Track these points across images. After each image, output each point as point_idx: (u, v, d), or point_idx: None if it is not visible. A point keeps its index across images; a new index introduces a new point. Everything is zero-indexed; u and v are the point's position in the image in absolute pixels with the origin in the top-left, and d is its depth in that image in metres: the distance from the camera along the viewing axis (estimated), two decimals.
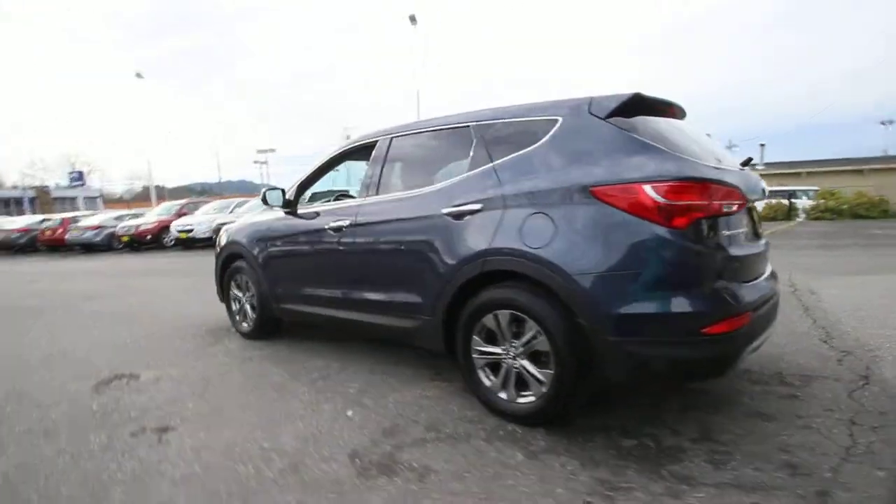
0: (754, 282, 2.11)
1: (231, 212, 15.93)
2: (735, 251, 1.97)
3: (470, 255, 2.30)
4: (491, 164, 2.36)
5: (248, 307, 3.93)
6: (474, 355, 2.39)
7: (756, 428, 2.19)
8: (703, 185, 1.87)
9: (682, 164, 1.90)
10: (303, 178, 3.50)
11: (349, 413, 2.50)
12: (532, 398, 2.20)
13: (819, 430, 2.15)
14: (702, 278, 1.86)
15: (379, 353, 3.40)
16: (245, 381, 3.04)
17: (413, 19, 22.22)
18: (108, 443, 2.28)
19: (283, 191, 3.44)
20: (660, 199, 1.85)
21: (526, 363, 2.21)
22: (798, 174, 26.17)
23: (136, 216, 17.96)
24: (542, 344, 2.13)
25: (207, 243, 14.78)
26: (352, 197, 3.85)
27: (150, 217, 16.93)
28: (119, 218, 17.69)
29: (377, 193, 2.89)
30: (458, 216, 2.40)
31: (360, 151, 3.27)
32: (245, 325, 3.98)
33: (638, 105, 2.12)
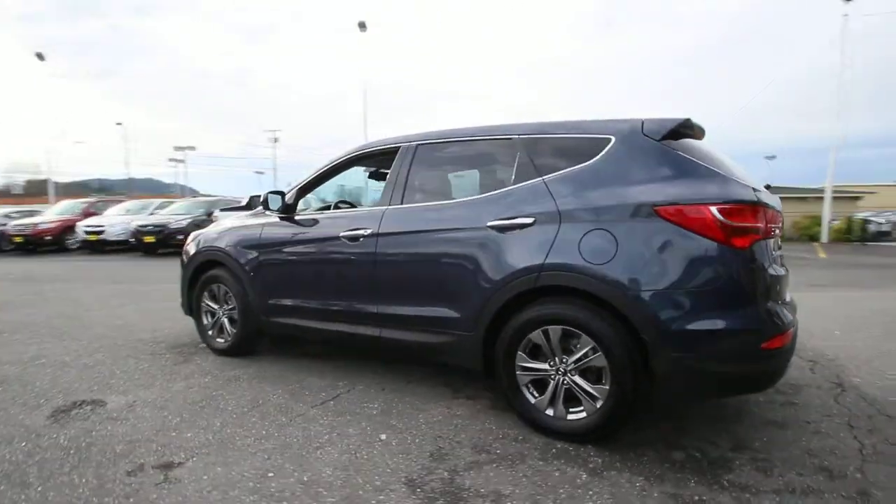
0: (786, 302, 2.28)
1: (151, 213, 14.45)
2: (776, 272, 2.12)
3: (521, 270, 2.26)
4: (541, 178, 2.34)
5: (225, 321, 3.54)
6: (518, 372, 2.33)
7: (776, 435, 2.36)
8: (758, 207, 1.99)
9: (739, 187, 2.02)
10: (303, 183, 3.25)
11: (382, 436, 2.31)
12: (583, 414, 2.19)
13: (829, 435, 2.36)
14: (759, 297, 1.98)
15: (380, 370, 3.21)
16: (241, 404, 2.71)
17: (363, 26, 21.85)
18: (101, 485, 1.90)
19: (283, 195, 3.16)
20: (724, 220, 1.94)
21: (578, 379, 2.20)
22: None
23: (30, 214, 15.64)
24: (598, 360, 2.13)
25: (121, 247, 13.28)
26: (352, 205, 3.66)
27: (49, 216, 14.82)
28: (8, 216, 15.29)
29: (402, 202, 2.75)
30: (505, 229, 2.35)
31: (374, 157, 3.11)
32: (220, 340, 3.58)
33: (685, 129, 2.23)
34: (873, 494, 1.86)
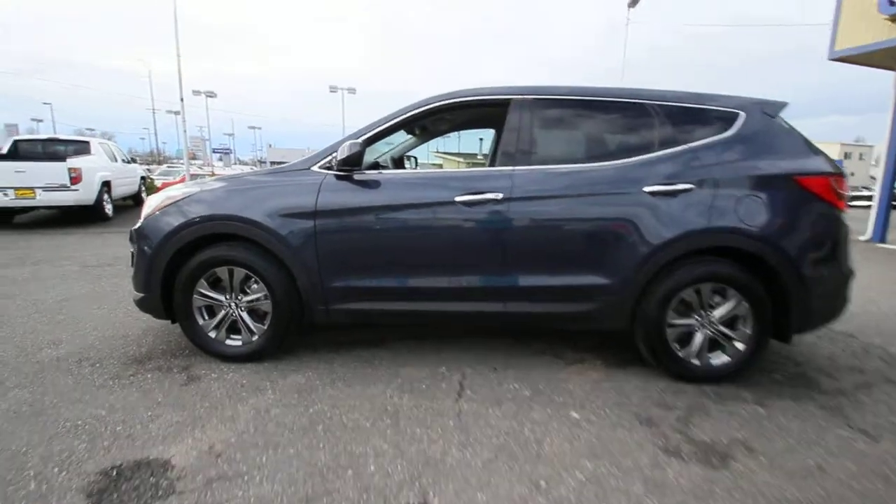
0: None
1: None
2: None
3: (683, 234, 2.37)
4: (688, 146, 2.45)
5: (244, 315, 2.64)
6: (667, 329, 2.48)
7: (803, 352, 3.09)
8: (844, 177, 2.55)
9: (833, 161, 2.53)
10: (371, 133, 2.59)
11: (574, 414, 2.20)
12: (726, 358, 2.50)
13: (821, 345, 3.22)
14: (848, 247, 2.57)
15: (457, 351, 2.94)
16: (367, 416, 2.15)
17: None
18: None
19: (358, 146, 2.46)
20: (837, 189, 2.43)
21: (722, 328, 2.48)
22: None
23: None
24: (740, 309, 2.44)
25: None
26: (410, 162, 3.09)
27: None
28: None
29: (530, 163, 2.49)
30: (660, 194, 2.40)
31: (467, 108, 2.70)
32: (234, 342, 2.67)
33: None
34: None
